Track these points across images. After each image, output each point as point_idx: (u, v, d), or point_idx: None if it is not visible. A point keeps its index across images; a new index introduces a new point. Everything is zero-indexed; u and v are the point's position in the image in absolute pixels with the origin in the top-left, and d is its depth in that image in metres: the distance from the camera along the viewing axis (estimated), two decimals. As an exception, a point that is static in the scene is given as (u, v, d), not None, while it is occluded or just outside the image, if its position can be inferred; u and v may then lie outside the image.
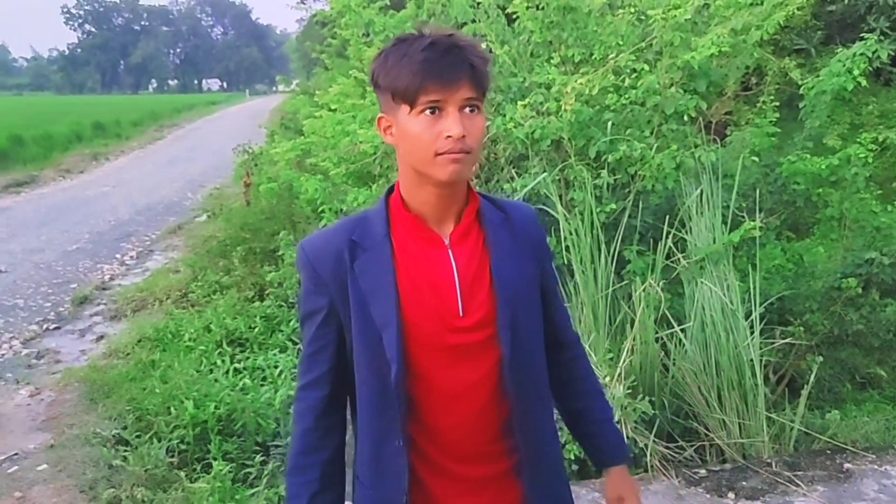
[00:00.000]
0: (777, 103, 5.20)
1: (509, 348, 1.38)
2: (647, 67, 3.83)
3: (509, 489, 1.46)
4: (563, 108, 3.82)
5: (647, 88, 3.75)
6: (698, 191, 3.78)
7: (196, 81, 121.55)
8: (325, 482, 1.43)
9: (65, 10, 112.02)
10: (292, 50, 48.06)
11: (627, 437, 3.25)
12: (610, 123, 3.84)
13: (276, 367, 5.61)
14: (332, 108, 7.87)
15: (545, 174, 3.86)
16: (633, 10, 4.14)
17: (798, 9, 6.05)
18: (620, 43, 4.12)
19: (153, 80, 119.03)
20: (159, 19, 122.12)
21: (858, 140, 4.78)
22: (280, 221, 7.99)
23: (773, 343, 3.96)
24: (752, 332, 3.64)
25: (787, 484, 3.26)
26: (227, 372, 5.38)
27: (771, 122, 4.99)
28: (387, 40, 5.35)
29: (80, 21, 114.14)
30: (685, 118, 3.87)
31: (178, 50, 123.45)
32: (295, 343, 6.14)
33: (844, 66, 4.61)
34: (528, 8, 4.48)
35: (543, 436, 1.50)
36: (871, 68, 5.75)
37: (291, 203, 7.94)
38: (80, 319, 6.84)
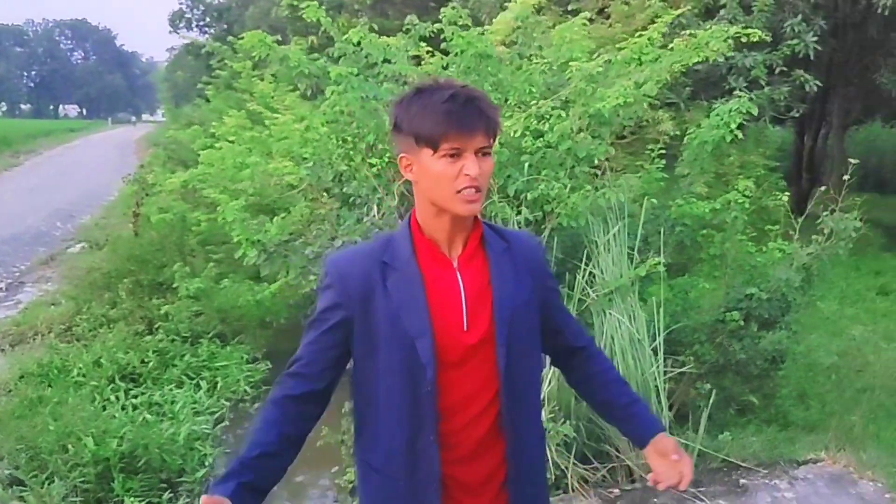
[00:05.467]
0: (653, 151, 5.65)
1: (504, 362, 1.58)
2: (562, 114, 4.12)
3: (501, 497, 1.62)
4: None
5: (561, 133, 4.03)
6: (616, 229, 4.05)
7: (52, 106, 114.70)
8: (277, 448, 1.54)
9: None
10: (161, 79, 46.51)
11: (551, 460, 3.43)
12: (527, 164, 4.09)
13: (173, 402, 5.44)
14: (230, 139, 7.80)
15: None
16: (544, 60, 4.43)
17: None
18: (532, 90, 4.40)
19: (3, 103, 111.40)
20: (12, 39, 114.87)
21: (736, 187, 5.27)
22: (170, 253, 7.75)
23: (667, 372, 4.28)
24: (655, 361, 3.93)
25: (693, 500, 3.54)
26: (124, 408, 5.18)
27: (658, 168, 5.41)
28: (300, 75, 5.46)
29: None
30: (595, 161, 4.18)
31: (33, 73, 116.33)
32: (191, 378, 5.96)
33: (723, 119, 5.12)
34: (431, 54, 4.70)
35: (530, 438, 1.67)
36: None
37: (183, 234, 7.74)
38: (-52, 355, 6.34)
